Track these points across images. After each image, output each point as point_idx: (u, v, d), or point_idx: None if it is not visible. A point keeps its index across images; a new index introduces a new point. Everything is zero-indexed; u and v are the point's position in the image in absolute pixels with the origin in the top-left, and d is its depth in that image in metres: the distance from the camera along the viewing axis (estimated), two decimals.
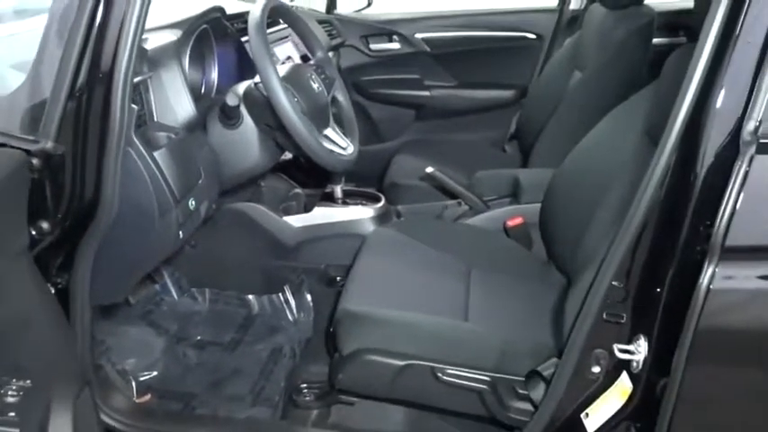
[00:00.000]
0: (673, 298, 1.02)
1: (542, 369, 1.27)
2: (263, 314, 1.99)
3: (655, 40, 2.07)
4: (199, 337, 1.88)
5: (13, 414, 0.74)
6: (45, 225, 1.11)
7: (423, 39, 2.67)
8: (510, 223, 1.80)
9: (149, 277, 1.93)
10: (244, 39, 1.69)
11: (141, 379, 1.67)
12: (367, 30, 2.71)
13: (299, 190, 2.11)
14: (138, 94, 1.28)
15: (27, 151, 1.05)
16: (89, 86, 1.06)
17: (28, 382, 0.79)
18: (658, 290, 1.04)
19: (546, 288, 1.59)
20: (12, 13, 1.51)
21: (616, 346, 1.10)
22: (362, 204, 1.98)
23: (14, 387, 0.77)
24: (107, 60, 1.06)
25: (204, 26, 1.49)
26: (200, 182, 1.33)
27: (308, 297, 1.93)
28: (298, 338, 1.84)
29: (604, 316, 1.11)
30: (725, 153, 0.96)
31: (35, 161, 1.07)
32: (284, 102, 1.29)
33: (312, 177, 2.16)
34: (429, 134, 2.73)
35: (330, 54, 2.54)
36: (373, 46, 2.71)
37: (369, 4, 2.85)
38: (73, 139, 1.08)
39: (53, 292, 1.18)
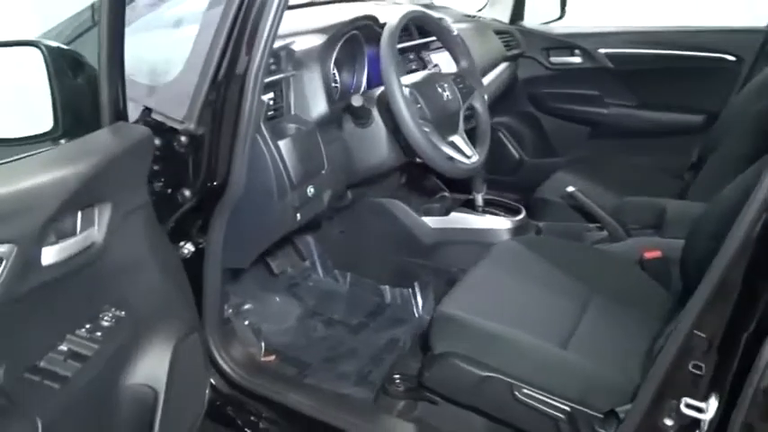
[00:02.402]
0: (745, 356, 0.91)
1: (621, 410, 1.20)
2: (393, 305, 2.10)
3: None
4: (331, 315, 2.06)
5: (99, 334, 0.94)
6: (187, 192, 1.34)
7: (606, 54, 2.55)
8: (647, 255, 1.69)
9: (299, 253, 2.15)
10: (398, 45, 1.81)
11: (273, 341, 1.89)
12: (549, 42, 2.68)
13: (446, 193, 2.18)
14: (280, 89, 1.46)
15: (176, 130, 1.28)
16: (227, 82, 1.25)
17: (123, 313, 0.99)
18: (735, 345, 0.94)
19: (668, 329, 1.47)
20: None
21: (685, 401, 1.01)
22: (501, 215, 1.99)
23: (110, 314, 0.98)
24: (242, 63, 1.24)
25: (353, 32, 1.63)
26: (322, 172, 1.48)
27: (433, 297, 1.99)
28: (413, 333, 1.92)
29: (679, 366, 1.03)
30: None
31: (183, 138, 1.29)
32: (401, 106, 1.38)
33: (461, 183, 2.21)
34: (602, 153, 2.60)
35: (505, 64, 2.57)
36: (553, 59, 2.66)
37: (561, 16, 2.80)
38: (211, 123, 1.28)
39: (194, 250, 1.42)
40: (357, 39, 1.67)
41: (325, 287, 2.17)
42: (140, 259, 1.07)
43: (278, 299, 2.05)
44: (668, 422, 1.06)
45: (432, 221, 2.00)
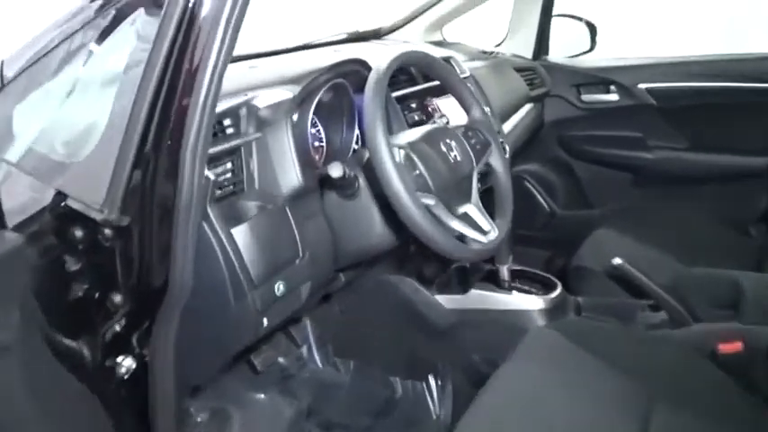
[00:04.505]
0: None
1: None
2: (404, 401, 1.76)
3: None
4: (330, 417, 1.71)
5: None
6: (117, 298, 1.05)
7: (647, 89, 2.21)
8: (723, 348, 1.32)
9: (292, 339, 1.82)
10: (394, 94, 1.50)
11: None
12: (579, 78, 2.36)
13: (465, 264, 1.84)
14: (239, 158, 1.15)
15: (95, 220, 0.99)
16: (155, 157, 0.95)
17: None
18: None
19: None
20: None
21: None
22: (532, 292, 1.64)
23: None
24: (175, 131, 0.94)
25: (338, 80, 1.31)
26: (297, 261, 1.15)
27: (452, 392, 1.65)
28: None
29: None
30: None
31: (106, 231, 1.00)
32: (391, 175, 1.05)
33: None
34: (647, 204, 2.26)
35: (529, 105, 2.25)
36: (585, 97, 2.34)
37: (592, 48, 2.48)
38: (140, 211, 0.98)
39: (135, 366, 1.11)
40: (344, 88, 1.35)
41: (323, 379, 1.83)
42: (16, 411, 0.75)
43: (266, 398, 1.71)
44: None
45: (447, 300, 1.66)
